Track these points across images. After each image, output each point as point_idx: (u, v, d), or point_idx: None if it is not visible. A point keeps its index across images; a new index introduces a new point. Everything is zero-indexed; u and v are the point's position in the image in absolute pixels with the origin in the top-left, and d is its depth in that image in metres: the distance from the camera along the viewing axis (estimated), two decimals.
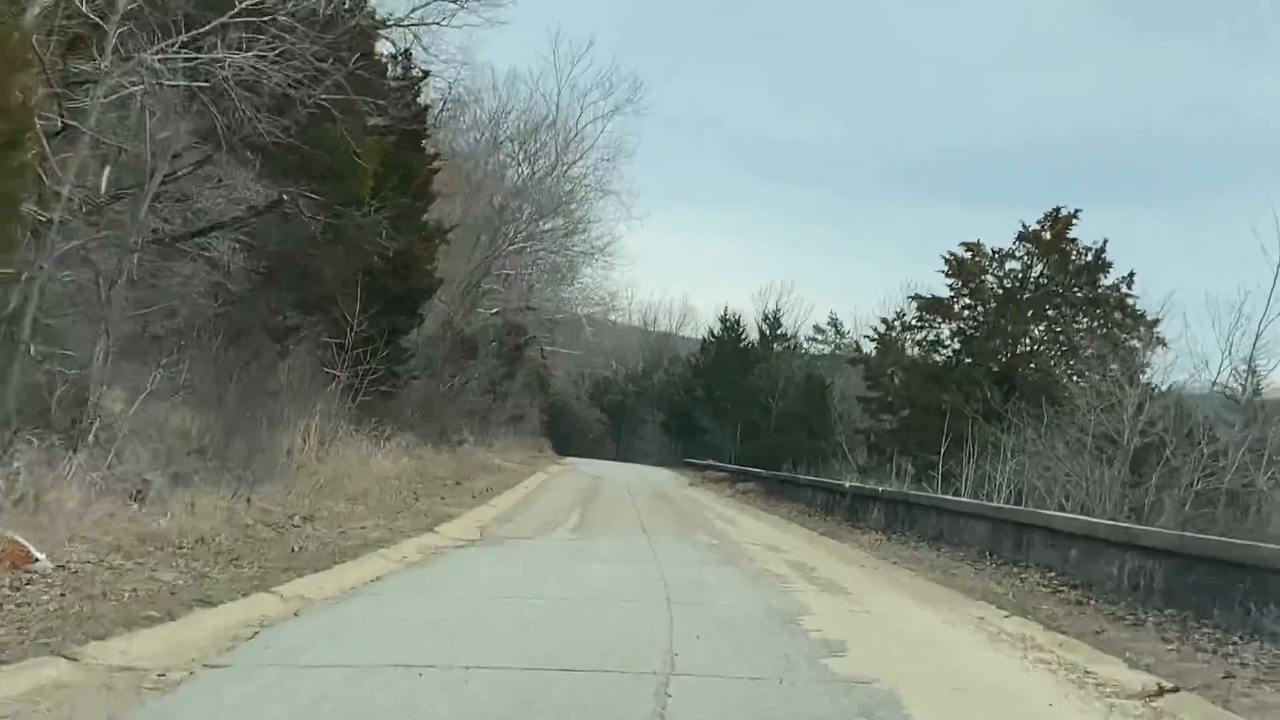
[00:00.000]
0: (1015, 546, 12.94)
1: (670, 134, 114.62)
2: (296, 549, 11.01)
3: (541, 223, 41.14)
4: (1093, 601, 10.12)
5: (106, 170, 13.36)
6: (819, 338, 77.53)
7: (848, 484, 21.54)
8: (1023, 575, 11.88)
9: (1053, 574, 11.56)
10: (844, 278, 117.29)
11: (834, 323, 77.37)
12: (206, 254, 18.13)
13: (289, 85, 13.24)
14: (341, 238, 21.22)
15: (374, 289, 23.80)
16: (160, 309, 17.92)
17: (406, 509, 16.55)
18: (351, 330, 19.42)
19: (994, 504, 15.97)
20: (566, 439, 74.54)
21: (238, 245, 18.82)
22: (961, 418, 27.25)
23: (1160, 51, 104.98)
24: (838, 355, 77.44)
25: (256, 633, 7.09)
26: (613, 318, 62.21)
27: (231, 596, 8.10)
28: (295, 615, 7.93)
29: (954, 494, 19.86)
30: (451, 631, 7.49)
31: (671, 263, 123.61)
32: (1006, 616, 9.41)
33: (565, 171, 45.22)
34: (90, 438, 11.84)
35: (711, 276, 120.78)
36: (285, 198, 14.73)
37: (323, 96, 14.69)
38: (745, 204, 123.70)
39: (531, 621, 8.06)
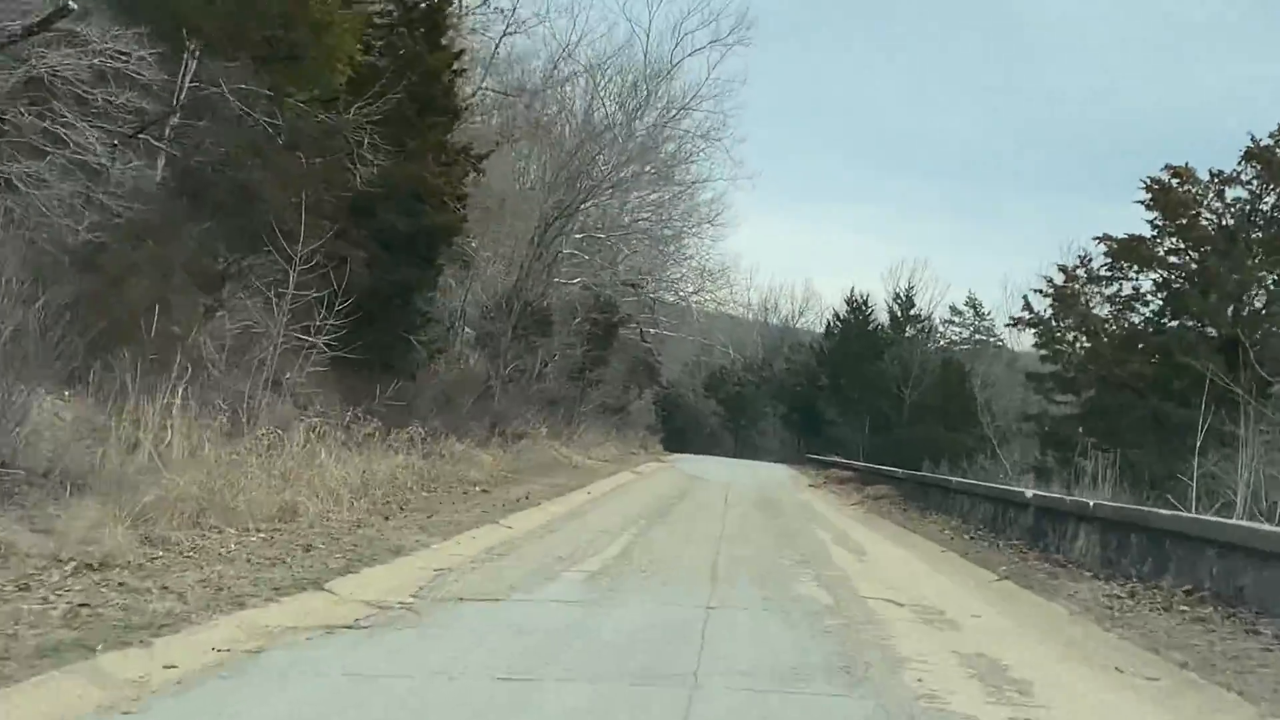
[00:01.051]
0: None
1: (789, 126, 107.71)
2: None
3: (628, 171, 34.65)
4: None
5: None
6: (956, 320, 69.68)
7: (1029, 493, 14.71)
8: None
9: None
10: (980, 274, 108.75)
11: (972, 303, 69.42)
12: (69, 154, 12.35)
13: None
14: (302, 145, 15.25)
15: (371, 226, 17.87)
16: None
17: (338, 538, 10.42)
18: (294, 269, 13.29)
19: None
20: (680, 434, 68.42)
21: (116, 145, 12.97)
22: (1168, 397, 19.91)
23: None
24: (978, 340, 69.70)
25: None
26: (726, 294, 55.23)
27: None
28: None
29: (1210, 512, 12.79)
30: None
31: (793, 252, 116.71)
32: None
33: (667, 120, 38.84)
34: None
35: (835, 263, 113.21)
36: (73, 5, 8.58)
37: None
38: (870, 197, 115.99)
39: None
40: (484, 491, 17.56)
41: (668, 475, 32.22)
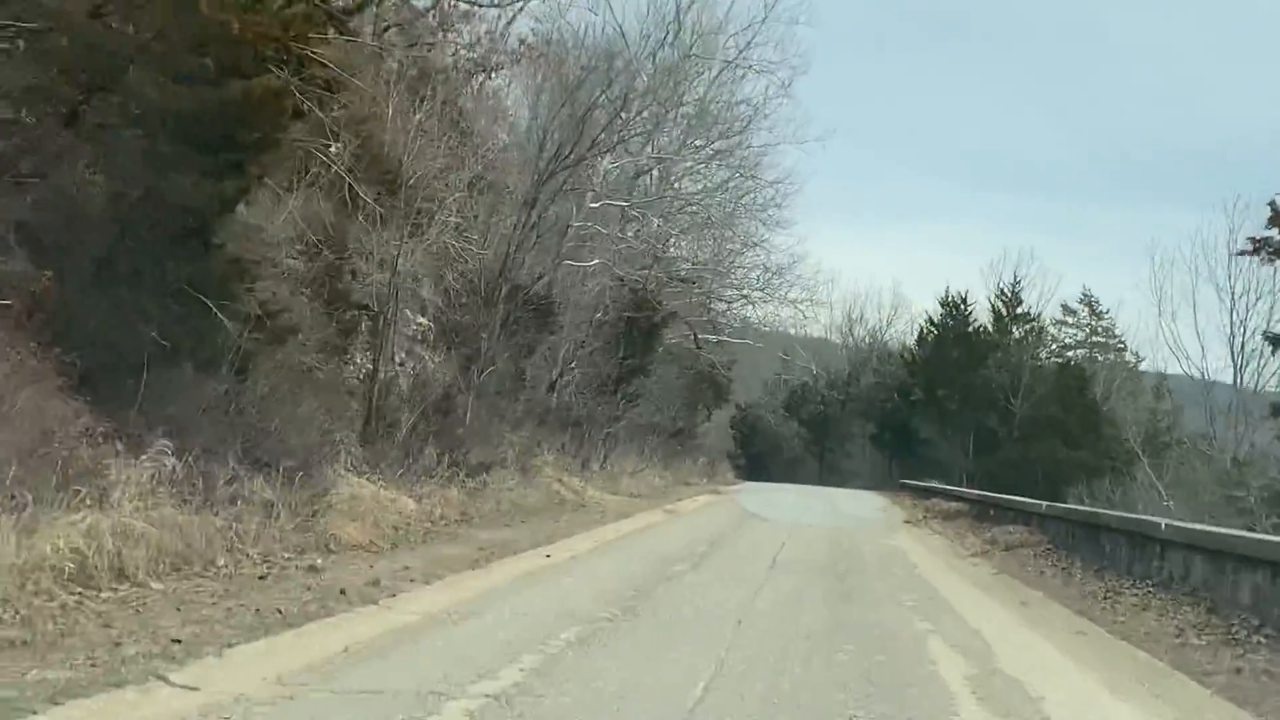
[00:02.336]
0: None
1: (871, 149, 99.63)
2: None
3: (650, 110, 26.56)
4: None
5: None
6: (1069, 320, 60.41)
7: None
8: None
9: None
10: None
11: (1088, 299, 60.09)
12: None
13: None
14: None
15: (114, 105, 10.15)
16: None
17: None
18: None
19: None
20: (759, 460, 60.23)
21: None
22: None
23: None
24: (1094, 342, 60.54)
25: None
26: (798, 293, 46.44)
27: None
28: None
29: None
30: None
31: (879, 263, 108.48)
32: None
33: (723, 68, 30.95)
34: None
35: (924, 275, 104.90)
36: None
37: None
38: (960, 214, 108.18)
39: None
40: (312, 570, 9.58)
41: (713, 514, 23.95)
